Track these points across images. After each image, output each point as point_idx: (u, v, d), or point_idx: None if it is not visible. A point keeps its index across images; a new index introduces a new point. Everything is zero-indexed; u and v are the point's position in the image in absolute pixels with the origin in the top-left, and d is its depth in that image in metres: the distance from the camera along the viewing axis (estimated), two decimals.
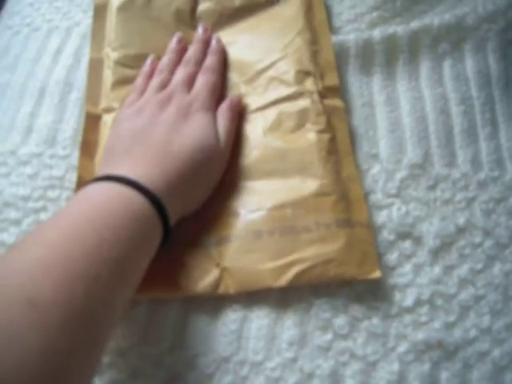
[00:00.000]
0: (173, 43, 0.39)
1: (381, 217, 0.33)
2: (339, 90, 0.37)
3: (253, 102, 0.37)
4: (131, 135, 0.32)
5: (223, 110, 0.35)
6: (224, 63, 0.39)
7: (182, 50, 0.39)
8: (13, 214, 0.34)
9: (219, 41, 0.39)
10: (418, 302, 0.30)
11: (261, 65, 0.38)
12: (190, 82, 0.36)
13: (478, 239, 0.32)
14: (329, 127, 0.35)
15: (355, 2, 0.41)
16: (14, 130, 0.38)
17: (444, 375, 0.29)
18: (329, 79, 0.37)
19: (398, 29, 0.38)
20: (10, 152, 0.37)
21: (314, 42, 0.38)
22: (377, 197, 0.33)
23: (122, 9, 0.41)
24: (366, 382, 0.28)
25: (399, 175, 0.34)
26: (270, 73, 0.37)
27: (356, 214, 0.32)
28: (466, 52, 0.39)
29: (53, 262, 0.22)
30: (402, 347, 0.29)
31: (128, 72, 0.38)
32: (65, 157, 0.36)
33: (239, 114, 0.36)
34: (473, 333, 0.30)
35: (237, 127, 0.35)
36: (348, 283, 0.31)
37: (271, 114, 0.35)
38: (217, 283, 0.30)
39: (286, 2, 0.40)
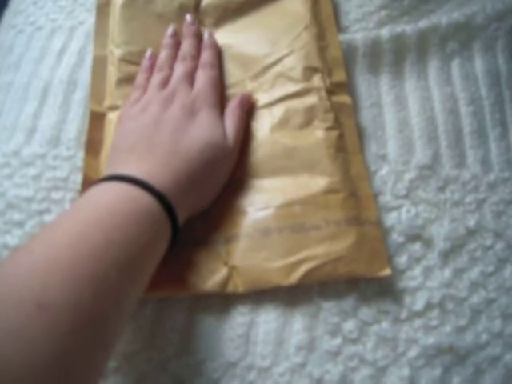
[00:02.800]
0: (167, 37, 0.38)
1: (390, 219, 0.32)
2: (347, 87, 0.36)
3: (259, 98, 0.36)
4: (136, 134, 0.31)
5: (232, 107, 0.34)
6: (219, 57, 0.38)
7: (176, 44, 0.38)
8: (16, 216, 0.34)
9: (211, 35, 0.39)
10: (429, 306, 0.30)
11: (267, 60, 0.37)
12: (191, 77, 0.35)
13: (488, 241, 0.32)
14: (337, 124, 0.34)
15: (363, 1, 0.40)
16: (18, 131, 0.38)
17: (455, 380, 0.28)
18: (336, 75, 0.36)
19: (407, 28, 0.38)
20: (14, 153, 0.37)
21: (320, 37, 0.38)
22: (386, 198, 0.33)
23: (125, 6, 0.40)
24: None
25: (408, 176, 0.33)
26: (277, 69, 0.37)
27: (365, 211, 0.31)
28: (475, 51, 0.38)
29: (61, 264, 0.22)
30: (413, 352, 0.29)
31: (133, 69, 0.38)
32: (69, 158, 0.36)
33: (248, 112, 0.35)
34: (484, 337, 0.29)
35: (245, 125, 0.35)
36: (356, 286, 0.30)
37: (278, 111, 0.35)
38: (225, 282, 0.30)
39: None
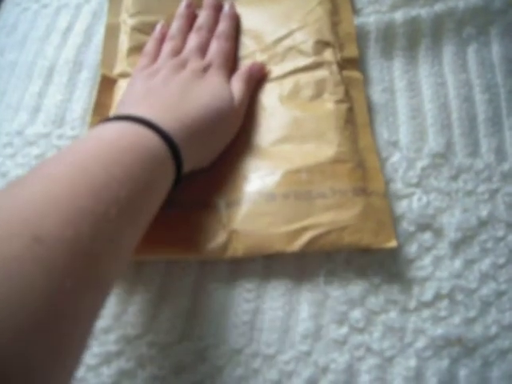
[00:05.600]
0: (182, 8, 0.38)
1: (400, 207, 0.31)
2: (358, 62, 0.36)
3: (270, 71, 0.36)
4: (144, 92, 0.31)
5: (240, 72, 0.35)
6: (237, 29, 0.38)
7: (191, 15, 0.38)
8: None
9: (232, 6, 0.39)
10: (438, 297, 0.29)
11: (278, 33, 0.37)
12: (204, 49, 0.35)
13: (500, 233, 0.31)
14: (347, 97, 0.34)
15: None
16: (22, 110, 0.37)
17: (463, 372, 0.28)
18: (348, 51, 0.36)
19: (422, 11, 0.37)
20: (17, 132, 0.36)
21: (334, 13, 0.37)
22: (397, 186, 0.32)
23: None
24: (382, 378, 0.27)
25: (420, 164, 0.33)
26: (288, 42, 0.37)
27: (372, 183, 0.31)
28: (493, 37, 0.37)
29: (58, 197, 0.21)
30: (420, 342, 0.28)
31: (145, 38, 0.38)
32: (73, 137, 0.35)
33: (258, 81, 0.35)
34: (493, 329, 0.29)
35: (252, 91, 0.35)
36: (365, 274, 0.29)
37: (288, 83, 0.35)
38: (225, 246, 0.29)
39: None
